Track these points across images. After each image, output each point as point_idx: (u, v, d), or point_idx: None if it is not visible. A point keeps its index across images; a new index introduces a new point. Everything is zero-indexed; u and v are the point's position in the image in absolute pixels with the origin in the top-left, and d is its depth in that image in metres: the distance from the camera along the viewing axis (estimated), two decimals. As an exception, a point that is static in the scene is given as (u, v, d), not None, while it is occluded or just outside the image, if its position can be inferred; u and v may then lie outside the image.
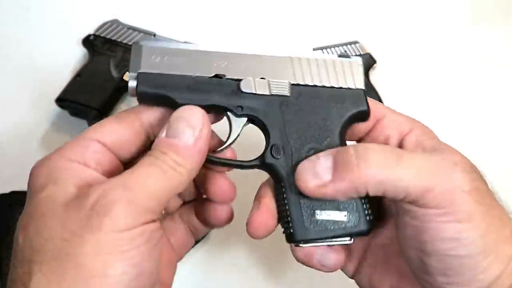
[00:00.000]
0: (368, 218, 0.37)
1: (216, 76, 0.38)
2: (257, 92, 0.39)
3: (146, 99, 0.37)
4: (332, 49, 0.77)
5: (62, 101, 0.70)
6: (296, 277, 0.66)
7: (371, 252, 0.42)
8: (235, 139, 0.41)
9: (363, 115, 0.39)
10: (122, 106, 0.75)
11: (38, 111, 0.73)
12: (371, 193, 0.34)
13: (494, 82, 0.80)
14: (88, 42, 0.75)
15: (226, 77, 0.38)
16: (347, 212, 0.37)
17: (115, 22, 0.76)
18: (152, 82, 0.37)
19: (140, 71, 0.37)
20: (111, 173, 0.34)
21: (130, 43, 0.74)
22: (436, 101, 0.76)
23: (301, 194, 0.37)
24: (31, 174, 0.35)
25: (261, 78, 0.39)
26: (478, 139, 0.71)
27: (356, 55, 0.76)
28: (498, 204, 0.35)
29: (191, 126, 0.34)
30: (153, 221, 0.31)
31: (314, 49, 0.77)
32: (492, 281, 0.33)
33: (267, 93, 0.39)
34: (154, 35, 0.76)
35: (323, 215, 0.37)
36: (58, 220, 0.29)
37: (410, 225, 0.35)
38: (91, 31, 0.75)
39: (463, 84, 0.79)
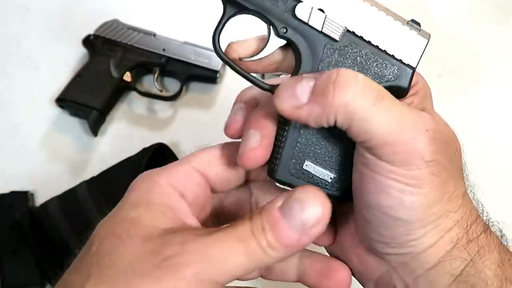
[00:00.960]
0: (348, 186, 0.36)
1: None
2: (309, 23, 0.35)
3: None
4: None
5: (62, 101, 0.70)
6: (296, 277, 0.66)
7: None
8: (265, 56, 0.38)
9: (400, 92, 0.36)
10: (122, 106, 0.75)
11: (38, 111, 0.73)
12: (338, 124, 0.32)
13: (494, 82, 0.80)
14: (88, 42, 0.75)
15: None
16: (334, 176, 0.36)
17: (115, 22, 0.76)
18: None
19: None
20: (201, 206, 0.34)
21: (130, 43, 0.75)
22: (436, 101, 0.76)
23: (300, 139, 0.36)
24: (135, 181, 0.34)
25: (320, 10, 0.35)
26: (478, 139, 0.71)
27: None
28: (460, 182, 0.34)
29: (304, 218, 0.29)
30: None
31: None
32: (424, 249, 0.33)
33: (318, 28, 0.35)
34: (154, 35, 0.76)
35: (310, 167, 0.36)
36: (132, 251, 0.29)
37: (360, 171, 0.34)
38: (91, 31, 0.75)
39: (463, 84, 0.79)
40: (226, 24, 0.40)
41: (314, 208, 0.29)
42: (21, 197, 0.65)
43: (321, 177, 0.36)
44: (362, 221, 0.35)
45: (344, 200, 0.36)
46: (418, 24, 0.36)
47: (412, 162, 0.31)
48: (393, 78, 0.36)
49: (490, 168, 0.61)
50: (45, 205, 0.63)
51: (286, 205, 0.29)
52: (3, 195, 0.65)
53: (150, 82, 0.76)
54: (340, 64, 0.35)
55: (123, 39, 0.75)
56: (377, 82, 0.34)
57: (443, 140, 0.33)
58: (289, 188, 0.36)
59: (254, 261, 0.29)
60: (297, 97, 0.33)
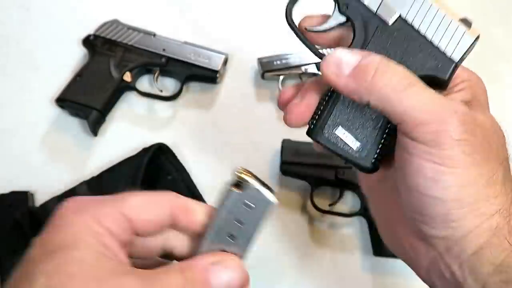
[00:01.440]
0: (374, 159, 0.40)
1: None
2: (366, 3, 0.39)
3: None
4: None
5: (62, 101, 0.70)
6: (296, 278, 0.66)
7: (384, 181, 0.43)
8: (328, 29, 0.43)
9: (440, 83, 0.39)
10: (122, 106, 0.75)
11: (38, 111, 0.73)
12: (372, 105, 0.36)
13: (494, 82, 0.80)
14: (88, 42, 0.75)
15: None
16: (360, 144, 0.40)
17: (115, 22, 0.76)
18: None
19: None
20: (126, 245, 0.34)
21: (130, 43, 0.75)
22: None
23: (338, 106, 0.40)
24: (63, 216, 0.34)
25: None
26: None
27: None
28: (497, 166, 0.36)
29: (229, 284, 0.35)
30: None
31: (314, 49, 0.77)
32: (465, 233, 0.35)
33: (374, 10, 0.39)
34: (154, 35, 0.76)
35: (340, 132, 0.40)
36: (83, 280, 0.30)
37: (401, 156, 0.37)
38: (91, 31, 0.75)
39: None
40: None
41: (237, 276, 0.37)
42: (21, 197, 0.65)
43: (348, 144, 0.40)
44: (406, 204, 0.37)
45: (366, 171, 0.40)
46: (470, 23, 0.39)
47: (443, 141, 0.34)
48: (434, 69, 0.38)
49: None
50: (45, 205, 0.63)
51: (217, 269, 0.35)
52: (3, 195, 0.65)
53: (150, 82, 0.76)
54: (388, 47, 0.39)
55: (123, 39, 0.75)
56: (419, 69, 0.38)
57: (477, 124, 0.36)
58: (323, 149, 0.42)
59: None
60: (341, 67, 0.37)
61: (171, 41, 0.75)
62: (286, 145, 0.68)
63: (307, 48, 0.44)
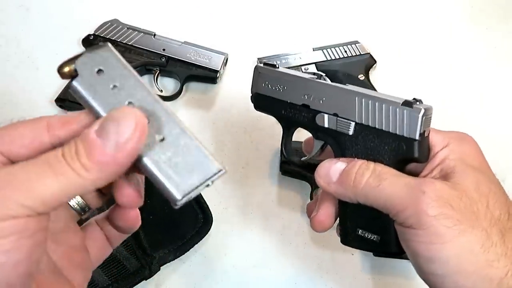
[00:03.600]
0: (396, 244, 0.43)
1: (303, 105, 0.48)
2: (327, 126, 0.47)
3: (259, 109, 0.53)
4: (332, 49, 0.77)
5: (62, 101, 0.70)
6: (296, 278, 0.66)
7: None
8: (315, 154, 0.51)
9: (416, 160, 0.43)
10: (122, 106, 0.75)
11: (38, 111, 0.73)
12: (362, 203, 0.42)
13: (494, 82, 0.80)
14: (88, 42, 0.75)
15: (310, 107, 0.47)
16: (380, 236, 0.45)
17: (115, 22, 0.76)
18: (261, 103, 0.51)
19: (256, 91, 0.51)
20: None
21: (130, 43, 0.75)
22: (436, 101, 0.76)
23: (349, 211, 0.46)
24: None
25: (334, 114, 0.46)
26: (478, 139, 0.71)
27: (357, 55, 0.77)
28: (489, 229, 0.37)
29: (119, 133, 0.30)
30: (29, 216, 0.29)
31: (314, 49, 0.77)
32: None
33: (334, 128, 0.46)
34: (154, 35, 0.76)
35: (360, 232, 0.46)
36: None
37: (402, 242, 0.41)
38: (91, 31, 0.75)
39: (463, 83, 0.79)
40: (290, 138, 0.53)
41: (127, 123, 0.30)
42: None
43: (371, 239, 0.45)
44: (426, 283, 0.40)
45: (396, 255, 0.45)
46: (413, 102, 0.42)
47: (422, 221, 0.37)
48: (402, 151, 0.43)
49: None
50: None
51: (102, 127, 0.30)
52: (3, 195, 0.65)
53: (150, 82, 0.76)
54: (359, 150, 0.45)
55: (123, 39, 0.75)
56: (392, 157, 0.43)
57: (454, 195, 0.38)
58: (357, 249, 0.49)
59: (68, 185, 0.29)
60: (329, 176, 0.44)
61: (171, 41, 0.75)
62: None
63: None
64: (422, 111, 0.42)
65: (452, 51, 0.82)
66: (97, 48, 0.36)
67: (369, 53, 0.78)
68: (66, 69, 0.36)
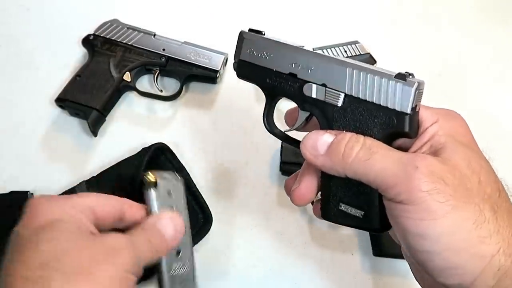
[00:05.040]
0: (380, 220, 0.43)
1: (290, 74, 0.46)
2: (315, 97, 0.45)
3: (242, 78, 0.51)
4: (332, 49, 0.77)
5: (62, 101, 0.70)
6: (296, 278, 0.66)
7: None
8: (299, 125, 0.49)
9: (406, 135, 0.42)
10: (122, 106, 0.75)
11: (38, 111, 0.73)
12: (350, 177, 0.41)
13: (495, 82, 0.80)
14: (88, 42, 0.75)
15: (297, 76, 0.46)
16: (363, 212, 0.44)
17: (115, 22, 0.76)
18: (245, 70, 0.50)
19: (240, 58, 0.50)
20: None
21: (130, 43, 0.75)
22: (436, 101, 0.76)
23: (332, 184, 0.45)
24: (34, 200, 0.42)
25: (322, 85, 0.44)
26: (479, 139, 0.71)
27: (357, 55, 0.77)
28: (481, 205, 0.37)
29: (176, 230, 0.46)
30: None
31: (314, 49, 0.77)
32: (473, 279, 0.35)
33: (322, 99, 0.44)
34: (154, 35, 0.76)
35: (343, 207, 0.45)
36: (82, 245, 0.38)
37: (391, 218, 0.40)
38: (91, 31, 0.75)
39: (463, 84, 0.79)
40: (272, 109, 0.51)
41: (179, 224, 0.46)
42: (21, 197, 0.65)
43: (354, 214, 0.44)
44: (414, 260, 0.39)
45: (379, 231, 0.44)
46: (406, 75, 0.42)
47: (414, 196, 0.36)
48: (392, 125, 0.42)
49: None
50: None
51: (165, 223, 0.45)
52: (3, 195, 0.65)
53: (150, 82, 0.76)
54: (347, 123, 0.43)
55: (123, 39, 0.75)
56: (381, 130, 0.42)
57: (446, 170, 0.37)
58: (336, 224, 0.47)
59: (143, 259, 0.42)
60: (316, 148, 0.43)
61: (171, 41, 0.75)
62: (286, 145, 0.68)
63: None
64: (416, 84, 0.41)
65: (452, 51, 0.82)
66: (175, 177, 0.52)
67: (369, 53, 0.78)
68: (152, 179, 0.49)
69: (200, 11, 0.83)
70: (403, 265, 0.66)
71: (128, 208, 0.46)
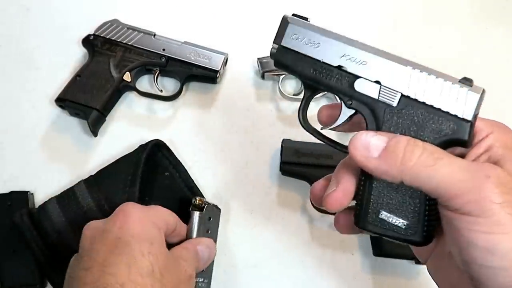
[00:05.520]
0: (424, 233, 0.40)
1: (339, 67, 0.43)
2: (367, 94, 0.41)
3: (280, 66, 0.46)
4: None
5: (62, 101, 0.70)
6: (296, 278, 0.66)
7: (439, 247, 0.43)
8: (340, 124, 0.45)
9: (462, 144, 0.40)
10: (122, 106, 0.75)
11: (38, 111, 0.73)
12: (406, 183, 0.38)
13: (495, 82, 0.80)
14: (88, 42, 0.75)
15: (347, 70, 0.42)
16: (407, 222, 0.40)
17: (115, 22, 0.76)
18: (287, 58, 0.44)
19: (282, 44, 0.45)
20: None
21: (130, 43, 0.75)
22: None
23: (374, 191, 0.41)
24: (127, 206, 0.52)
25: (376, 82, 0.41)
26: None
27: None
28: None
29: (210, 255, 0.58)
30: None
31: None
32: None
33: (375, 97, 0.41)
34: (154, 35, 0.76)
35: (384, 215, 0.41)
36: (168, 259, 0.51)
37: (449, 230, 0.37)
38: (91, 31, 0.75)
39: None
40: (309, 103, 0.47)
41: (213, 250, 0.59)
42: (21, 197, 0.65)
43: (395, 224, 0.40)
44: (468, 276, 0.37)
45: (421, 244, 0.41)
46: (470, 80, 0.39)
47: (485, 207, 0.34)
48: (451, 132, 0.39)
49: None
50: (43, 206, 0.62)
51: (204, 248, 0.57)
52: (3, 195, 0.65)
53: (150, 82, 0.76)
54: (400, 125, 0.40)
55: (123, 39, 0.75)
56: (436, 137, 0.39)
57: (508, 182, 0.35)
58: (373, 235, 0.42)
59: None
60: (369, 149, 0.39)
61: (171, 41, 0.75)
62: (286, 145, 0.68)
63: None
64: (481, 90, 0.38)
65: (452, 51, 0.82)
66: (216, 207, 0.63)
67: (369, 53, 0.78)
68: (198, 203, 0.60)
69: (200, 11, 0.83)
70: (403, 265, 0.66)
71: (179, 224, 0.57)
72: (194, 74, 0.75)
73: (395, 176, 0.38)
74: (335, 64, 0.43)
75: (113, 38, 0.75)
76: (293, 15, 0.45)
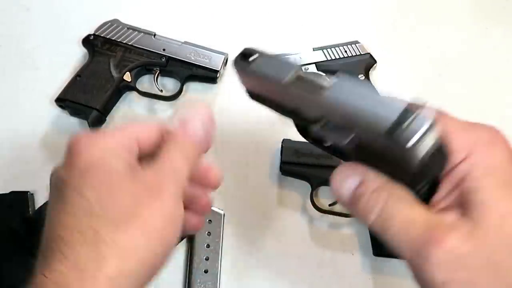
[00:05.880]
0: None
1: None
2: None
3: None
4: (332, 49, 0.77)
5: (62, 101, 0.70)
6: (296, 278, 0.66)
7: None
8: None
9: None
10: (122, 106, 0.75)
11: (38, 111, 0.73)
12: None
13: (495, 82, 0.80)
14: (88, 42, 0.75)
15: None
16: None
17: (115, 22, 0.76)
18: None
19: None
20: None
21: (130, 43, 0.75)
22: (436, 101, 0.76)
23: None
24: (74, 139, 0.40)
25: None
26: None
27: (357, 55, 0.77)
28: None
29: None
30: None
31: (314, 49, 0.77)
32: None
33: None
34: (154, 35, 0.76)
35: None
36: (127, 187, 0.35)
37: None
38: (91, 31, 0.75)
39: (463, 83, 0.79)
40: None
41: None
42: (21, 197, 0.65)
43: None
44: None
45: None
46: (416, 108, 0.31)
47: (427, 286, 0.31)
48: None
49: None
50: (40, 209, 0.62)
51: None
52: (3, 195, 0.65)
53: (150, 82, 0.76)
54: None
55: (123, 39, 0.75)
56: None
57: (472, 249, 0.30)
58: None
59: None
60: (340, 194, 0.37)
61: (171, 41, 0.75)
62: (286, 145, 0.68)
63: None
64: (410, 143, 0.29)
65: (452, 51, 0.82)
66: (219, 210, 0.64)
67: (369, 53, 0.78)
68: None
69: (200, 11, 0.83)
70: (403, 265, 0.66)
71: (166, 134, 0.41)
72: (194, 74, 0.75)
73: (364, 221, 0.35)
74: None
75: (113, 38, 0.75)
76: (242, 55, 0.41)
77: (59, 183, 0.37)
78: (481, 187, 0.31)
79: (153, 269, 0.35)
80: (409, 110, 0.29)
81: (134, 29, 0.76)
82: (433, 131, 0.29)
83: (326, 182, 0.67)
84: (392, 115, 0.30)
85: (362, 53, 0.77)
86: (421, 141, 0.29)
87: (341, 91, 0.32)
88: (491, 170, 0.32)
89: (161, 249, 0.35)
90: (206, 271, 0.60)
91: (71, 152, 0.39)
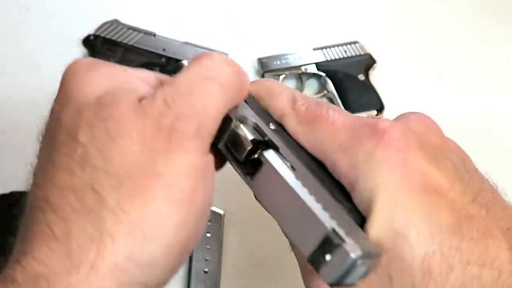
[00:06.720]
0: None
1: None
2: None
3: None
4: (332, 49, 0.77)
5: (62, 101, 0.70)
6: (296, 278, 0.66)
7: None
8: None
9: None
10: (122, 106, 0.75)
11: (38, 111, 0.73)
12: None
13: (495, 82, 0.80)
14: (88, 42, 0.75)
15: None
16: None
17: (115, 22, 0.76)
18: None
19: None
20: None
21: (130, 43, 0.75)
22: (436, 101, 0.76)
23: None
24: (71, 67, 0.32)
25: None
26: (480, 139, 0.71)
27: (357, 55, 0.77)
28: None
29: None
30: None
31: (314, 49, 0.77)
32: None
33: None
34: (154, 35, 0.76)
35: None
36: (137, 130, 0.25)
37: None
38: (91, 31, 0.75)
39: (464, 84, 0.79)
40: None
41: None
42: (21, 197, 0.65)
43: None
44: None
45: None
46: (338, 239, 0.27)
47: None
48: None
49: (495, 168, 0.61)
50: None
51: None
52: (3, 195, 0.65)
53: (150, 82, 0.76)
54: None
55: (123, 39, 0.75)
56: None
57: None
58: None
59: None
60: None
61: (171, 41, 0.75)
62: (286, 145, 0.68)
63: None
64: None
65: (452, 51, 0.82)
66: (215, 213, 0.62)
67: (369, 53, 0.78)
68: None
69: (200, 11, 0.83)
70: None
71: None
72: (194, 74, 0.75)
73: None
74: None
75: (113, 38, 0.75)
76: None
77: (49, 126, 0.28)
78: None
79: (183, 252, 0.25)
80: (331, 238, 0.25)
81: (134, 29, 0.76)
82: (362, 265, 0.25)
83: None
84: (314, 240, 0.27)
85: (362, 53, 0.77)
86: (346, 277, 0.25)
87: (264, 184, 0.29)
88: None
89: (193, 222, 0.25)
90: (206, 272, 0.60)
91: (65, 84, 0.30)
